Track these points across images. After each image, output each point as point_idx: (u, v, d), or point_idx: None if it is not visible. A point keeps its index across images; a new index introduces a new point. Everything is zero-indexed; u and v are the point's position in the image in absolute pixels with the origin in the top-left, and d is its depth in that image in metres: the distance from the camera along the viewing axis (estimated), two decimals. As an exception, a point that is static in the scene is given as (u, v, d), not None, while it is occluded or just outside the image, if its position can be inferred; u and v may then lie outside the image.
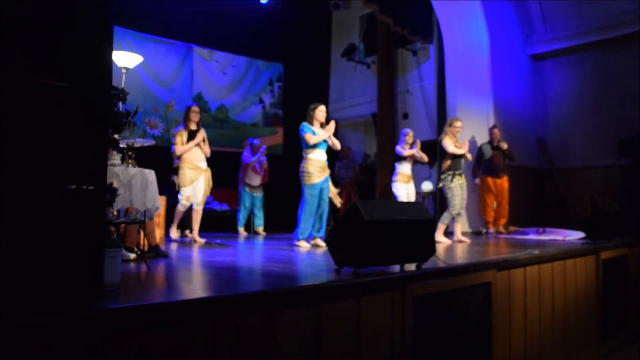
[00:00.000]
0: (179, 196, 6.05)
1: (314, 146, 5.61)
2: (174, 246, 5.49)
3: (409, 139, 7.25)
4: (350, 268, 2.89)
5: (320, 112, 5.74)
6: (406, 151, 7.10)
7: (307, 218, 5.60)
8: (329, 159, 5.86)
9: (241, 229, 8.22)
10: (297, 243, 5.66)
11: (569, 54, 9.47)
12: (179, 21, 9.54)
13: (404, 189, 7.17)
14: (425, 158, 7.30)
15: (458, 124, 6.84)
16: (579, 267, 5.04)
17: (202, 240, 6.06)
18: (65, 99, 1.98)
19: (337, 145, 5.88)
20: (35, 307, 1.75)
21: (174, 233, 6.38)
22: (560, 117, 9.61)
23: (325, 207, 5.70)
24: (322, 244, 5.55)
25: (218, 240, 6.36)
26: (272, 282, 2.85)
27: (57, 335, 1.69)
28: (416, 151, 7.09)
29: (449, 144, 6.63)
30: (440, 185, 6.76)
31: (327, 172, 5.75)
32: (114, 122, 2.87)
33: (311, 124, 5.70)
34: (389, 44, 10.84)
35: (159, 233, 5.34)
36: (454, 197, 6.53)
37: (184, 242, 6.15)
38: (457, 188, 6.54)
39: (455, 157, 6.64)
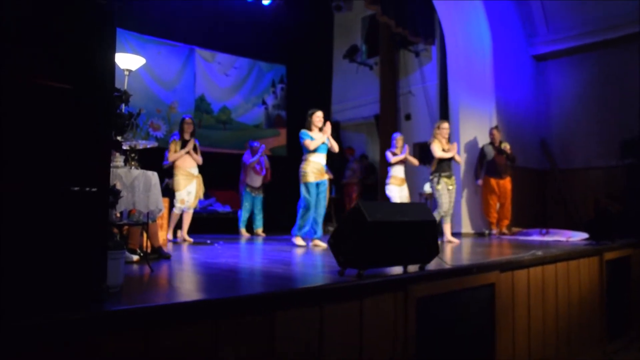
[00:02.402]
0: (174, 201, 6.40)
1: (314, 150, 5.91)
2: (177, 248, 5.50)
3: (400, 142, 7.56)
4: (354, 269, 2.89)
5: (317, 117, 6.02)
6: (394, 158, 7.42)
7: (303, 214, 5.91)
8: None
9: (243, 230, 8.28)
10: (294, 239, 5.95)
11: (571, 55, 9.46)
12: (181, 23, 9.54)
13: (397, 192, 7.43)
14: (415, 162, 7.69)
15: (445, 125, 7.02)
16: (582, 268, 5.02)
17: (190, 240, 6.44)
18: (68, 101, 1.98)
19: (335, 147, 6.14)
20: (38, 308, 1.75)
21: (170, 235, 6.61)
22: (563, 118, 9.59)
23: (322, 210, 5.98)
24: (321, 243, 5.77)
25: (209, 241, 6.54)
26: (274, 283, 2.85)
27: (60, 337, 1.70)
28: (404, 157, 7.40)
29: (437, 149, 6.80)
30: (430, 186, 6.98)
31: (325, 176, 6.03)
32: (116, 124, 2.87)
33: (309, 129, 5.99)
34: (391, 45, 10.84)
35: (162, 235, 5.35)
36: (440, 197, 6.75)
37: (175, 242, 6.40)
38: (444, 189, 6.75)
39: (442, 160, 6.82)
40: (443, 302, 3.30)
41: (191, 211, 6.52)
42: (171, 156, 6.31)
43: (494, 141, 8.29)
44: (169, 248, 5.23)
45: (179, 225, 7.06)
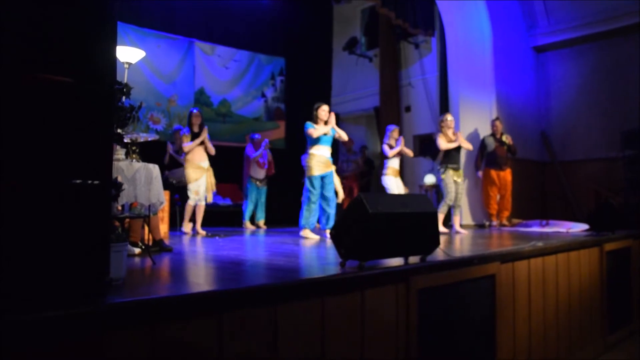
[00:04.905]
0: (188, 192, 6.61)
1: (317, 142, 5.96)
2: (178, 241, 5.51)
3: (395, 134, 7.56)
4: (355, 261, 2.90)
5: (323, 111, 6.07)
6: (391, 152, 7.41)
7: (308, 208, 6.00)
8: (332, 153, 6.19)
9: (247, 223, 8.33)
10: (302, 233, 6.00)
11: (572, 46, 9.44)
12: (180, 16, 9.54)
13: (394, 182, 7.48)
14: (410, 154, 7.70)
15: (449, 117, 7.17)
16: (582, 259, 5.04)
17: (204, 232, 6.59)
18: (70, 94, 1.98)
19: (344, 136, 6.23)
20: (41, 302, 1.76)
21: (187, 227, 6.80)
22: (563, 109, 9.59)
23: (331, 200, 6.03)
24: None
25: (209, 233, 6.61)
26: (276, 275, 2.86)
27: (63, 330, 1.70)
28: (400, 149, 7.39)
29: (442, 142, 6.96)
30: (435, 177, 7.17)
31: (331, 168, 6.09)
32: (118, 117, 2.87)
33: (315, 122, 6.04)
34: (390, 37, 10.82)
35: (163, 228, 5.37)
36: (446, 187, 6.88)
37: (193, 234, 6.57)
38: (450, 179, 6.88)
39: (449, 151, 6.94)
40: (444, 293, 3.31)
41: (203, 204, 6.69)
42: (185, 147, 6.52)
43: (496, 132, 8.30)
44: (176, 241, 5.24)
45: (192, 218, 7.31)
